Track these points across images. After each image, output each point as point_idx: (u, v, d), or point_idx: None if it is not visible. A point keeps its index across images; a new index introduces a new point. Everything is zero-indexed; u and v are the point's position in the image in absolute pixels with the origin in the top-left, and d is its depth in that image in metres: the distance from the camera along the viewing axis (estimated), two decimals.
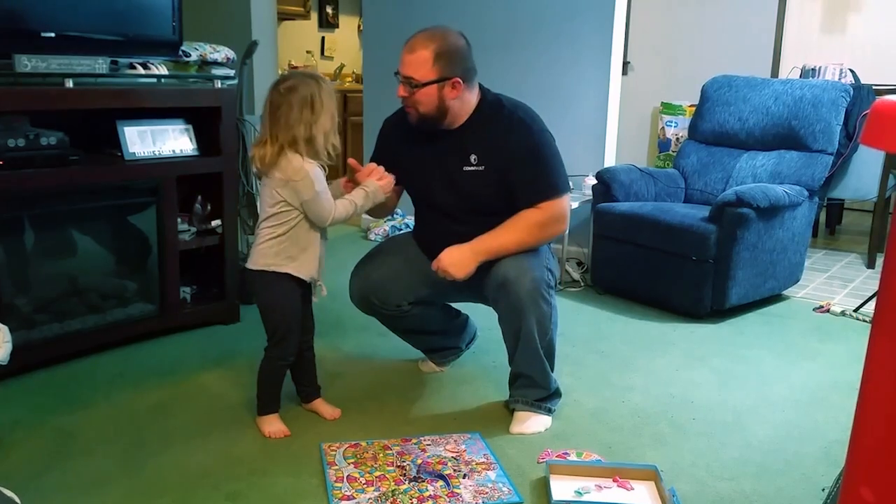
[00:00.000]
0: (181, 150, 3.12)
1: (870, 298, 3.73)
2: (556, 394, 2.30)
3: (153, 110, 3.06)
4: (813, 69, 5.00)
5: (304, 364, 2.43)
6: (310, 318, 2.33)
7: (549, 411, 2.29)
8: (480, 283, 2.10)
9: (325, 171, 2.00)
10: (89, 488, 2.05)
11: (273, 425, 2.32)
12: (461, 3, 4.66)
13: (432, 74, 1.93)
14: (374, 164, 2.00)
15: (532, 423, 2.29)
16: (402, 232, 3.04)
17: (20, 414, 2.48)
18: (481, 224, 2.03)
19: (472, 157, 1.99)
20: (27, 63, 2.59)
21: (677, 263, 3.54)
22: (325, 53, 7.32)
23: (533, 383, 2.19)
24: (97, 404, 2.56)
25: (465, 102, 2.00)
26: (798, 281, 3.92)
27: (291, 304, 2.14)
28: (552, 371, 2.20)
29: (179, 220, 3.15)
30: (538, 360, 2.09)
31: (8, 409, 2.51)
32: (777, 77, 5.41)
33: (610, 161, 4.36)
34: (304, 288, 2.18)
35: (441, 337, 2.59)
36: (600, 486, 2.07)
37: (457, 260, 1.93)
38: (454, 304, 2.70)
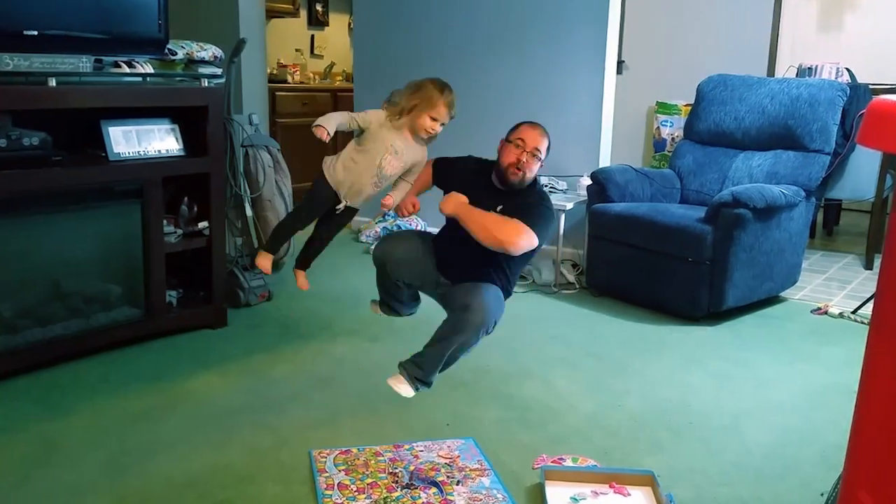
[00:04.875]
0: (167, 151, 3.10)
1: (868, 300, 3.74)
2: (426, 384, 2.29)
3: (138, 110, 3.04)
4: (809, 68, 5.01)
5: (314, 247, 2.64)
6: (334, 223, 2.55)
7: (416, 389, 2.27)
8: (449, 295, 2.35)
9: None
10: (72, 497, 2.04)
11: (263, 259, 2.55)
12: (453, 1, 4.65)
13: (545, 154, 2.39)
14: (417, 202, 2.46)
15: (402, 386, 2.26)
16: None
17: (1, 421, 2.46)
18: (483, 253, 2.26)
19: (499, 206, 2.31)
20: (9, 62, 2.58)
21: (673, 265, 3.54)
22: (315, 52, 7.29)
23: (421, 368, 2.25)
24: (81, 411, 2.55)
25: None
26: (796, 282, 3.93)
27: (314, 193, 2.47)
28: (438, 371, 2.26)
29: (165, 222, 3.14)
30: (437, 360, 2.23)
31: None
32: (773, 76, 5.42)
33: (605, 161, 4.36)
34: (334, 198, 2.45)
35: (401, 305, 2.72)
36: (596, 493, 2.07)
37: (452, 199, 2.27)
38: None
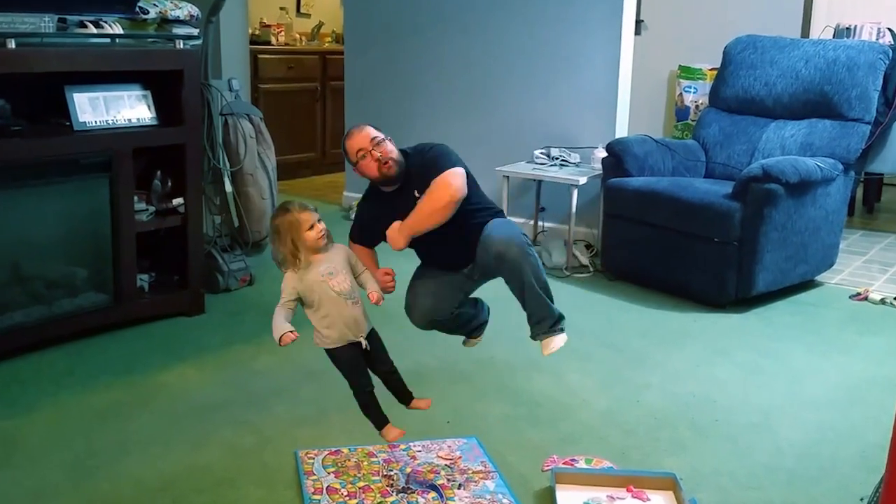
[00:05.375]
0: (138, 119, 3.10)
1: None
2: (562, 317, 2.57)
3: (106, 74, 3.02)
4: (847, 28, 4.98)
5: (392, 384, 2.46)
6: (378, 355, 2.44)
7: (562, 330, 2.55)
8: (483, 266, 2.59)
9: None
10: (34, 502, 2.03)
11: (392, 432, 2.31)
12: None
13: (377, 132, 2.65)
14: (389, 270, 2.60)
15: (556, 341, 2.51)
16: None
17: None
18: (453, 225, 2.53)
19: (416, 192, 2.59)
20: None
21: (698, 246, 3.52)
22: (302, 10, 7.27)
23: (544, 317, 2.53)
24: (43, 407, 2.54)
25: None
26: (832, 265, 3.92)
27: (340, 363, 2.36)
28: (552, 301, 2.56)
29: (136, 198, 3.13)
30: (542, 301, 2.53)
31: None
32: (808, 37, 5.37)
33: (622, 131, 4.34)
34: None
35: (474, 319, 2.88)
36: (613, 497, 2.06)
37: (391, 236, 2.55)
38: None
